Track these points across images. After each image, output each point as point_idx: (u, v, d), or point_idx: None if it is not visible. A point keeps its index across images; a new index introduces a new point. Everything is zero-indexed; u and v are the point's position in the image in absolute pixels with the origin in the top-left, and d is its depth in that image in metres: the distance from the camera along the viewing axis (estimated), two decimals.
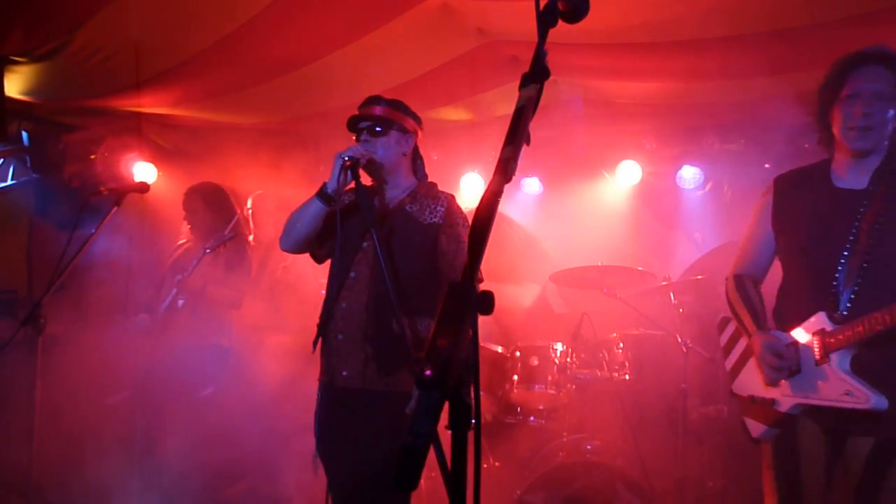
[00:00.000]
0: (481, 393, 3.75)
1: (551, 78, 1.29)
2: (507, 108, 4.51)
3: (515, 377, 4.04)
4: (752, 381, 2.33)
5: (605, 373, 3.95)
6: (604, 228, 5.05)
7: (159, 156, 5.04)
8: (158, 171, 5.04)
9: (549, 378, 3.96)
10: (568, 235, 5.25)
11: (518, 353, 4.09)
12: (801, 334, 2.18)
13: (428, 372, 0.92)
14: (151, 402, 3.75)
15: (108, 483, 3.77)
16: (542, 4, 1.31)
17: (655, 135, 5.04)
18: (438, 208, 2.44)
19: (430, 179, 2.62)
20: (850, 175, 2.21)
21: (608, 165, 5.33)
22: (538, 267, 4.39)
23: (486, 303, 0.98)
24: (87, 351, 4.06)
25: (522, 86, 1.29)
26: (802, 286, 2.23)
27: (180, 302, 3.74)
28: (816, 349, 2.11)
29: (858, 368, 2.05)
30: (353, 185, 2.37)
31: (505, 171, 1.14)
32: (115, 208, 3.13)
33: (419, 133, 2.56)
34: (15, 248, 4.79)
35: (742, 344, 2.47)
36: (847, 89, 2.12)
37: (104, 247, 4.29)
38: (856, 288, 2.08)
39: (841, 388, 2.04)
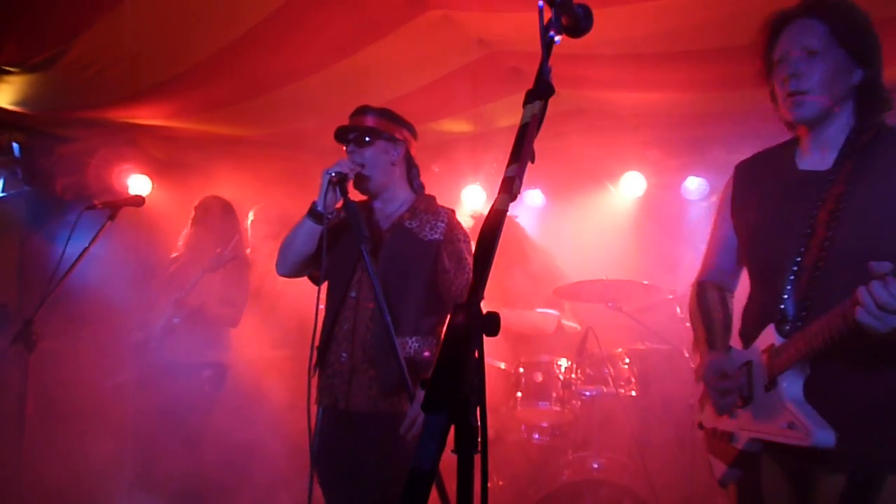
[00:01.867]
0: None
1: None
2: (509, 120, 4.55)
3: (519, 394, 4.05)
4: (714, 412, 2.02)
5: (611, 389, 3.95)
6: (608, 241, 5.08)
7: (154, 168, 5.07)
8: (153, 184, 5.07)
9: (554, 394, 3.96)
10: (571, 248, 5.26)
11: (521, 370, 4.09)
12: (754, 352, 1.84)
13: (433, 394, 0.94)
14: (147, 419, 3.75)
15: (101, 501, 3.76)
16: (545, 20, 1.33)
17: (660, 146, 5.08)
18: (439, 224, 2.45)
19: (430, 192, 2.63)
20: (815, 153, 1.85)
21: (612, 177, 5.35)
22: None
23: (492, 324, 1.00)
24: (80, 367, 4.07)
25: (527, 102, 1.31)
26: (756, 291, 1.92)
27: (176, 320, 3.75)
28: (765, 371, 1.79)
29: (815, 394, 1.69)
30: (342, 202, 2.38)
31: (510, 190, 1.16)
32: (110, 222, 3.14)
33: (411, 142, 2.56)
34: (6, 262, 4.81)
35: None
36: (777, 52, 1.80)
37: (98, 261, 4.30)
38: (810, 292, 1.71)
39: (785, 418, 1.69)
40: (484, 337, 1.00)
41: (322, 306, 2.45)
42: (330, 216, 2.37)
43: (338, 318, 2.40)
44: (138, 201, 3.33)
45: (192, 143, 5.02)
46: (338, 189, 2.32)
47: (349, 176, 2.35)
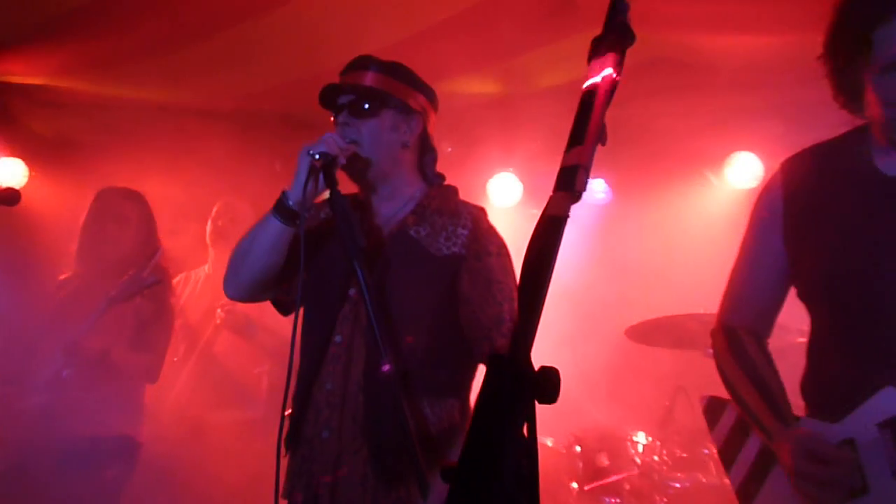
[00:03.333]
0: None
1: None
2: (556, 77, 4.56)
3: (574, 484, 4.04)
4: None
5: (713, 478, 3.93)
6: (706, 256, 5.04)
7: (34, 149, 5.11)
8: (32, 172, 5.11)
9: (627, 486, 3.95)
10: (651, 267, 5.26)
11: (578, 448, 4.08)
12: (859, 426, 1.94)
13: (462, 490, 0.94)
14: None
15: None
16: None
17: (783, 114, 5.07)
18: (460, 231, 2.45)
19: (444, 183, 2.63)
20: None
21: (712, 161, 5.37)
22: None
23: (547, 385, 1.00)
24: None
25: (594, 55, 1.32)
26: (850, 342, 2.06)
27: (66, 372, 3.76)
28: (891, 451, 1.88)
29: None
30: (325, 194, 2.38)
31: (571, 185, 1.17)
32: None
33: (430, 115, 2.57)
34: None
35: (755, 442, 2.32)
36: (881, 58, 1.96)
37: None
38: None
39: None
40: (536, 405, 1.00)
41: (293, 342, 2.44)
42: (307, 214, 2.38)
43: (318, 374, 2.40)
44: (11, 197, 3.35)
45: (90, 113, 5.06)
46: (321, 177, 2.33)
47: (339, 159, 2.35)
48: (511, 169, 5.59)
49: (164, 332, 4.03)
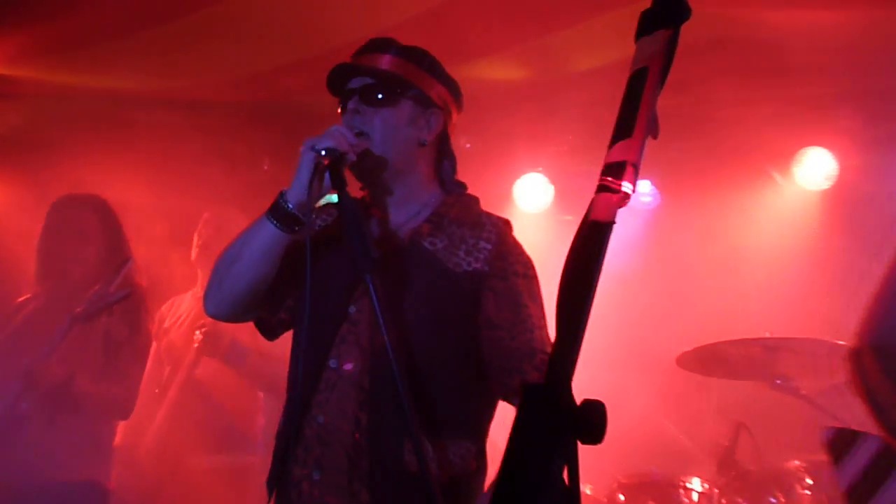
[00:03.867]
0: None
1: None
2: (594, 59, 4.56)
3: None
4: None
5: None
6: (772, 269, 5.04)
7: None
8: None
9: None
10: (706, 281, 5.23)
11: (622, 497, 4.07)
12: None
13: None
14: None
15: None
16: None
17: (863, 104, 5.06)
18: (482, 245, 2.45)
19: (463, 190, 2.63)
20: None
21: (778, 158, 5.37)
22: None
23: (592, 422, 0.99)
24: None
25: (642, 32, 1.32)
26: None
27: (25, 405, 3.77)
28: None
29: None
30: (329, 197, 2.40)
31: (617, 186, 1.16)
32: None
33: (452, 112, 2.58)
34: None
35: None
36: None
37: None
38: None
39: None
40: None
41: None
42: (310, 220, 2.38)
43: (309, 405, 2.39)
44: None
45: (49, 105, 5.10)
46: (326, 176, 2.31)
47: (348, 156, 2.34)
48: (540, 168, 5.59)
49: (137, 358, 4.01)
